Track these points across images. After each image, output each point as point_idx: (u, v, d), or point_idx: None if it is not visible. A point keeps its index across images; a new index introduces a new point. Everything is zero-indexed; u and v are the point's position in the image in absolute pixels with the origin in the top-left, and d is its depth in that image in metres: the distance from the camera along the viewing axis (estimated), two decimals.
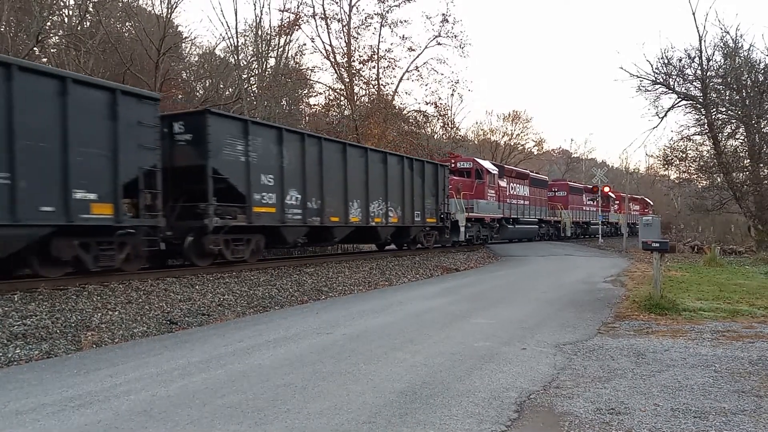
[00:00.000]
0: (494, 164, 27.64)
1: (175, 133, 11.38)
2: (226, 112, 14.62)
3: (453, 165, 23.60)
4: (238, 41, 27.63)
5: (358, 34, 30.50)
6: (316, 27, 38.62)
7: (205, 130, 11.05)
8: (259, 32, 28.71)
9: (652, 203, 52.14)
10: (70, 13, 24.50)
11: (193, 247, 11.42)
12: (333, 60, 30.29)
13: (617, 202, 39.71)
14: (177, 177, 11.12)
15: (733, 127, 24.98)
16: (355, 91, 30.37)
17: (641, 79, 23.31)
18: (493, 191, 24.90)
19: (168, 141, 11.12)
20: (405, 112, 32.87)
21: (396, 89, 31.89)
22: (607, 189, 32.01)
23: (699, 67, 23.16)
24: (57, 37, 22.96)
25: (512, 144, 54.56)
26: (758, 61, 23.05)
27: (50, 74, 8.76)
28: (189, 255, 11.49)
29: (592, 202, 36.21)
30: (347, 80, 30.08)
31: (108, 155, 9.27)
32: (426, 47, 32.91)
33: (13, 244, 8.22)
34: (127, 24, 26.87)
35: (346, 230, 15.42)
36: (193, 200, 11.30)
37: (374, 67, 30.94)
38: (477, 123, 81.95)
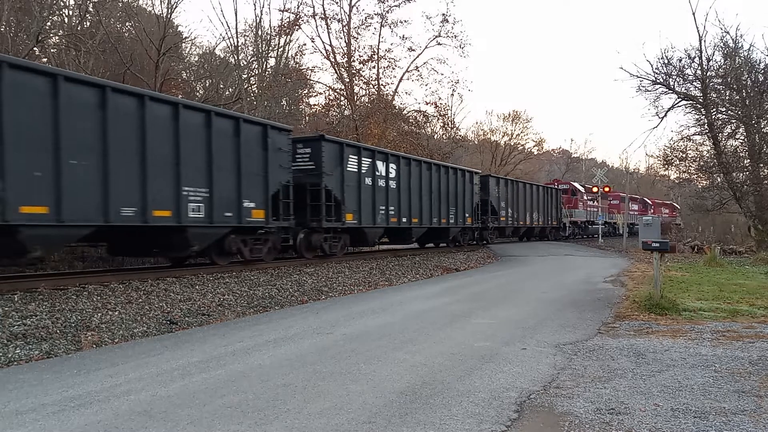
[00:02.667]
0: (580, 185, 39.78)
1: (475, 184, 23.93)
2: (497, 174, 29.19)
3: (557, 186, 35.16)
4: (238, 41, 27.68)
5: (358, 34, 30.55)
6: (316, 27, 38.78)
7: (488, 183, 25.34)
8: (259, 32, 28.74)
9: (679, 207, 55.59)
10: (70, 13, 24.50)
11: (479, 235, 25.30)
12: (333, 60, 30.32)
13: (652, 207, 50.83)
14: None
15: (733, 127, 24.96)
16: (355, 91, 30.40)
17: (641, 79, 23.32)
18: (581, 203, 37.17)
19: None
20: (405, 112, 32.92)
21: (396, 89, 31.98)
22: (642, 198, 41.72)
23: (699, 67, 23.15)
24: (57, 37, 22.94)
25: (512, 144, 54.51)
26: (758, 61, 23.08)
27: (436, 164, 20.90)
28: (485, 238, 25.84)
29: (636, 207, 47.11)
30: (347, 80, 30.10)
31: (467, 197, 22.68)
32: (426, 47, 33.03)
33: (420, 234, 20.20)
34: (127, 24, 26.86)
35: (524, 229, 29.68)
36: (482, 214, 25.06)
37: (374, 67, 30.99)
38: (477, 123, 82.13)
